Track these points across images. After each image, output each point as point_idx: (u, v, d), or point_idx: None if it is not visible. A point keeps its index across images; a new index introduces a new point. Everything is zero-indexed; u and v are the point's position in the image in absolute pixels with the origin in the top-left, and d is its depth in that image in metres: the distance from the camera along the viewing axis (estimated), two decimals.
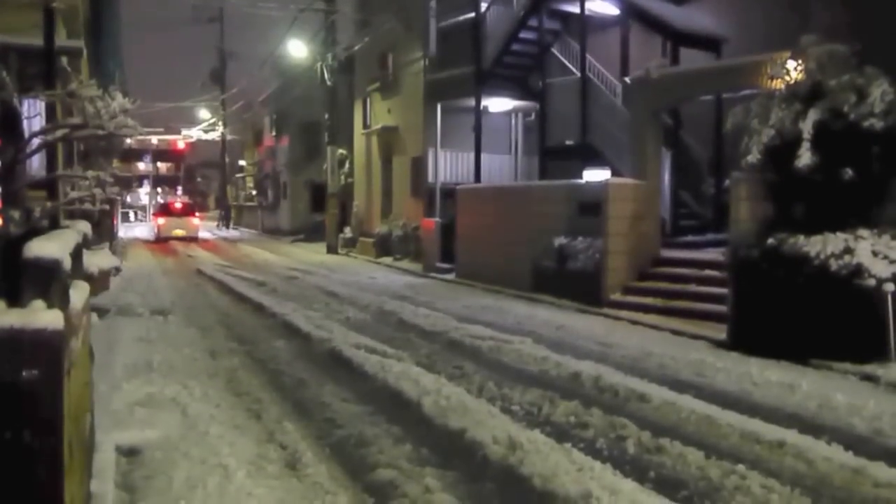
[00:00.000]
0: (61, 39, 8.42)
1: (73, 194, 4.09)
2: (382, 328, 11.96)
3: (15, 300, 2.44)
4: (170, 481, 5.34)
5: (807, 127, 9.56)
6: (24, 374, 2.40)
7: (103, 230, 17.04)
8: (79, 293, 3.24)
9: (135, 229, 50.67)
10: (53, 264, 2.50)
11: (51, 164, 4.16)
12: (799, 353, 9.35)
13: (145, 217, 56.50)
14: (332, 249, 29.84)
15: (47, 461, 2.49)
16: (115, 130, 3.79)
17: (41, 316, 2.41)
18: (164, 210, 38.09)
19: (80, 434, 3.67)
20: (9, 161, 3.09)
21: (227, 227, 55.24)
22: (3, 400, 2.39)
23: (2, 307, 2.37)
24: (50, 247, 2.56)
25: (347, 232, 30.43)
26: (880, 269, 8.99)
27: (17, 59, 3.35)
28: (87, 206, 4.27)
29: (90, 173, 4.92)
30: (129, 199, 75.47)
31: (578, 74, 19.42)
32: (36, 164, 7.14)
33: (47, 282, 2.50)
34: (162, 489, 5.23)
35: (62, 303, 2.70)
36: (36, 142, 3.38)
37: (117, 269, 4.74)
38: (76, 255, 3.32)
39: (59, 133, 3.41)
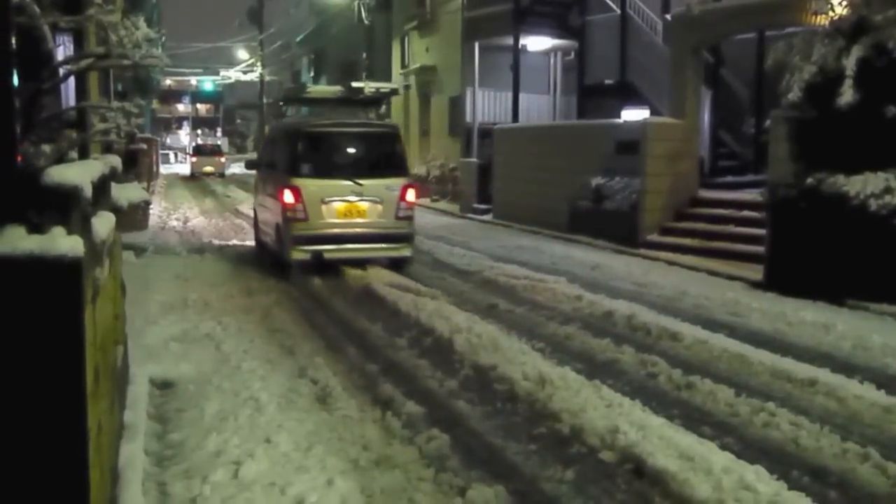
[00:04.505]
0: None
1: (100, 126, 4.09)
2: (418, 267, 11.98)
3: (36, 228, 2.45)
4: (202, 413, 5.44)
5: (850, 63, 9.29)
6: (44, 299, 2.43)
7: (142, 169, 17.15)
8: (103, 223, 3.26)
9: (174, 168, 53.99)
10: (73, 191, 2.50)
11: (80, 95, 4.17)
12: (835, 293, 9.23)
13: (185, 159, 57.60)
14: None
15: (70, 387, 2.53)
16: (139, 61, 3.76)
17: (61, 242, 2.42)
18: (197, 151, 47.52)
19: (108, 364, 3.73)
20: (32, 91, 3.10)
21: None
22: (24, 325, 2.43)
23: (22, 233, 2.39)
24: (70, 173, 2.56)
25: None
26: None
27: None
28: (113, 137, 4.28)
29: (115, 104, 4.93)
30: (168, 140, 76.05)
31: (619, 11, 19.05)
32: (73, 102, 7.15)
33: (67, 209, 2.51)
34: (194, 420, 5.33)
35: (83, 230, 2.72)
36: (62, 73, 3.38)
37: (146, 203, 4.77)
38: (101, 185, 3.33)
39: (84, 63, 3.40)
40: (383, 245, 11.49)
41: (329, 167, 11.53)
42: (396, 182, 11.59)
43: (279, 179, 11.61)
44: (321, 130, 11.93)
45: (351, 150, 11.99)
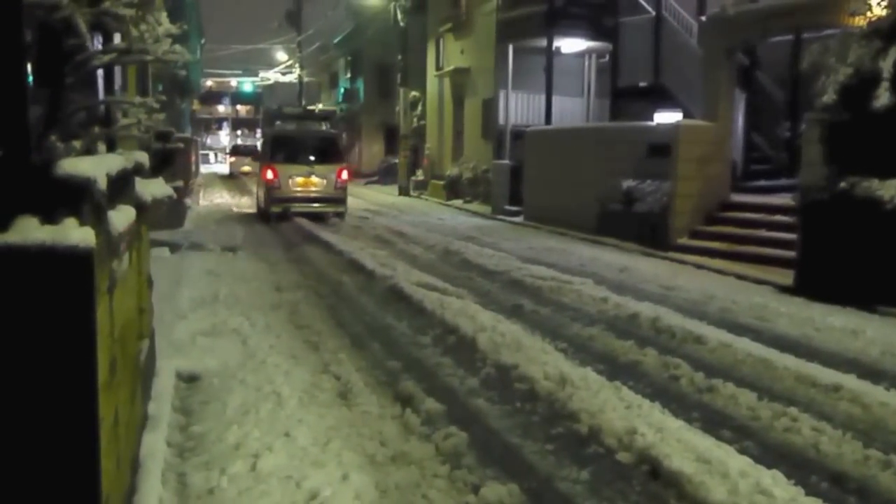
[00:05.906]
0: None
1: (123, 122, 4.15)
2: (446, 267, 12.02)
3: (49, 219, 2.50)
4: (224, 406, 5.50)
5: (887, 65, 9.17)
6: (56, 288, 2.48)
7: (178, 168, 17.34)
8: (122, 216, 3.31)
9: (214, 168, 56.25)
10: (85, 182, 2.55)
11: (106, 91, 4.24)
12: (866, 299, 9.11)
13: (224, 159, 58.76)
14: (403, 191, 30.00)
15: (80, 376, 2.57)
16: (161, 56, 3.81)
17: (72, 233, 2.47)
18: (236, 151, 51.64)
19: (128, 355, 3.79)
20: (55, 85, 3.15)
21: None
22: (36, 314, 2.48)
23: (34, 224, 2.44)
24: (83, 166, 2.61)
25: (419, 174, 30.50)
26: None
27: None
28: (135, 132, 4.36)
29: (137, 99, 5.00)
30: (209, 140, 76.74)
31: (653, 13, 18.97)
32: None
33: (79, 200, 2.56)
34: (217, 413, 5.39)
35: (97, 222, 2.77)
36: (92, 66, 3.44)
37: (170, 198, 4.87)
38: (121, 179, 3.38)
39: (107, 58, 3.45)
40: (326, 204, 19.12)
41: (293, 156, 19.23)
42: (336, 166, 19.22)
43: (265, 164, 19.42)
44: (288, 135, 20.45)
45: (307, 146, 19.59)
